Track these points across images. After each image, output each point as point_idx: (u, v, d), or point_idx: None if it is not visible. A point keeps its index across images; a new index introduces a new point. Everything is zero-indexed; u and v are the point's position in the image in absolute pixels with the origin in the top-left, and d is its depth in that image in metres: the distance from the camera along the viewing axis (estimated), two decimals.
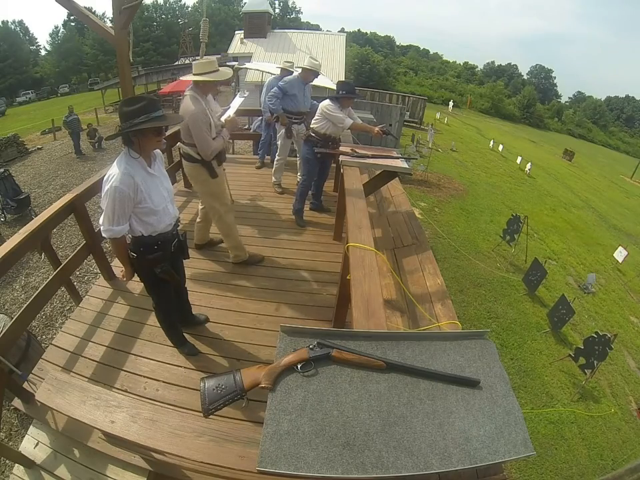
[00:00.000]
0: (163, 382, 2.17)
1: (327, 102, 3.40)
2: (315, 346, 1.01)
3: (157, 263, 1.87)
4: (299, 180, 4.14)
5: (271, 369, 0.99)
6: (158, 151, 1.91)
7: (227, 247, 3.11)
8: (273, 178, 4.61)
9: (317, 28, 53.42)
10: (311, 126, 3.59)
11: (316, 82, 4.33)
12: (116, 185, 1.59)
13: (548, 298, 6.15)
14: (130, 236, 1.82)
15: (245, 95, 3.67)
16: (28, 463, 1.83)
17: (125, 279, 1.96)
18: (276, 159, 4.50)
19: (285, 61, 5.25)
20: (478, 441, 0.87)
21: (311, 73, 3.91)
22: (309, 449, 0.83)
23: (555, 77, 59.45)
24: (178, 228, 2.03)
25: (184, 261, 2.21)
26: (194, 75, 2.47)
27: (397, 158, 3.06)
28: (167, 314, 2.20)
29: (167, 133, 4.48)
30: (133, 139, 1.63)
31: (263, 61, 14.44)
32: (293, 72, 4.68)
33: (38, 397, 1.48)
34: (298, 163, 4.50)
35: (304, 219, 3.90)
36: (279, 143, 4.41)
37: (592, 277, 6.89)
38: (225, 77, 2.54)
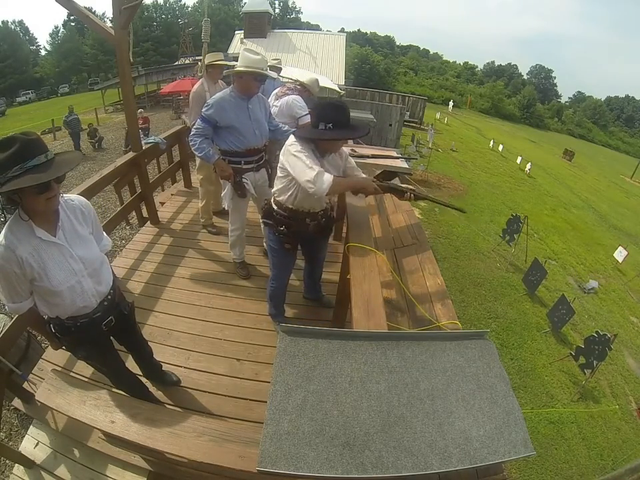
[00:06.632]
0: None
1: (291, 140, 1.81)
2: None
3: (75, 347, 1.54)
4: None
5: None
6: (80, 203, 1.42)
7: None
8: (232, 254, 3.03)
9: (317, 28, 53.44)
10: (273, 191, 2.04)
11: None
12: None
13: (548, 298, 6.14)
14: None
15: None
16: (28, 463, 1.83)
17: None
18: (230, 228, 2.88)
19: (273, 59, 4.15)
20: (478, 441, 0.88)
21: (249, 77, 2.28)
22: (308, 448, 0.83)
23: (555, 77, 59.53)
24: (116, 300, 1.57)
25: None
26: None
27: (397, 158, 3.07)
28: (124, 388, 1.84)
29: (168, 133, 4.38)
30: (13, 198, 1.18)
31: None
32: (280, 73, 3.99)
33: (38, 397, 1.48)
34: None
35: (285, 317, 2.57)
36: (226, 205, 2.80)
37: (594, 283, 6.88)
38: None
